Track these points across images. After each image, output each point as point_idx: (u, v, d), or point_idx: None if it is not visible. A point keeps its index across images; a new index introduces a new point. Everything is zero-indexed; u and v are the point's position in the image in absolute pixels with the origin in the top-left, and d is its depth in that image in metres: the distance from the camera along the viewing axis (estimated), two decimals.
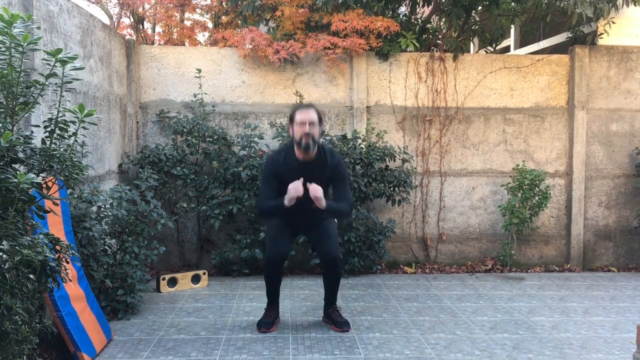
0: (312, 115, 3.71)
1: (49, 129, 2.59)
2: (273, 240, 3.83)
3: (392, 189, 5.54)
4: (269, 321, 3.89)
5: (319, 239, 3.86)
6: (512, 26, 7.59)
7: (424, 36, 6.25)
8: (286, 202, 3.65)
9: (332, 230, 3.88)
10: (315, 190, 3.64)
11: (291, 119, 3.79)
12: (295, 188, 3.63)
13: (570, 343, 3.69)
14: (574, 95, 5.84)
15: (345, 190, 3.85)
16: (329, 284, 3.92)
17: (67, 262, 2.58)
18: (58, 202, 3.15)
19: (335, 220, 4.01)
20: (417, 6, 6.25)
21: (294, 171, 3.73)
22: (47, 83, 2.53)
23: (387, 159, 5.48)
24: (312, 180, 3.72)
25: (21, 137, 2.46)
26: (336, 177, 3.85)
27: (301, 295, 4.76)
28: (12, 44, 2.39)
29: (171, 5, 6.56)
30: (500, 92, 5.88)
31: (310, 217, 3.86)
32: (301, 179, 3.67)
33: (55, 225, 3.26)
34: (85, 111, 2.59)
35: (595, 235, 6.00)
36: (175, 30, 6.86)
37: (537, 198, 5.57)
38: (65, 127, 2.61)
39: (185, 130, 5.34)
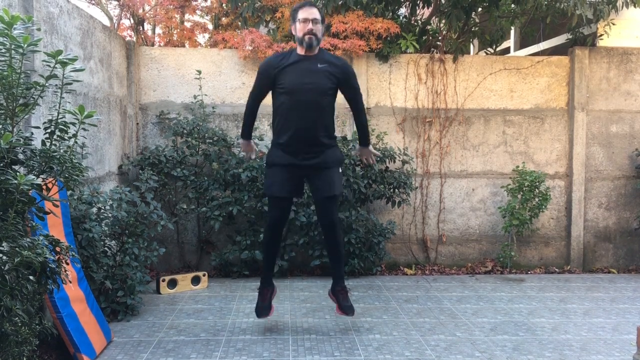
0: (315, 13, 3.60)
1: (49, 131, 2.60)
2: (272, 187, 3.71)
3: (392, 190, 5.54)
4: (266, 304, 3.80)
5: (321, 199, 3.70)
6: (512, 28, 7.59)
7: (424, 38, 6.25)
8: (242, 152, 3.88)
9: (336, 188, 3.72)
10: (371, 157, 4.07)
11: (293, 17, 3.66)
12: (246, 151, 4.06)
13: (570, 344, 3.69)
14: (574, 97, 5.84)
15: (360, 100, 3.83)
16: (331, 251, 3.79)
17: (67, 264, 2.58)
18: (58, 203, 3.14)
19: (340, 170, 3.83)
20: (417, 8, 6.25)
21: (296, 64, 3.63)
22: (47, 84, 2.53)
23: (387, 160, 5.48)
24: (314, 75, 3.64)
25: (21, 139, 2.46)
26: (348, 85, 3.74)
27: (301, 297, 4.75)
28: (13, 46, 2.39)
29: (171, 6, 6.57)
30: (500, 93, 5.88)
31: (315, 152, 3.70)
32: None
33: (55, 227, 3.26)
34: (85, 112, 2.59)
35: (595, 237, 6.00)
36: (175, 32, 6.88)
37: (537, 199, 5.57)
38: (65, 128, 2.62)
39: (185, 131, 5.34)
